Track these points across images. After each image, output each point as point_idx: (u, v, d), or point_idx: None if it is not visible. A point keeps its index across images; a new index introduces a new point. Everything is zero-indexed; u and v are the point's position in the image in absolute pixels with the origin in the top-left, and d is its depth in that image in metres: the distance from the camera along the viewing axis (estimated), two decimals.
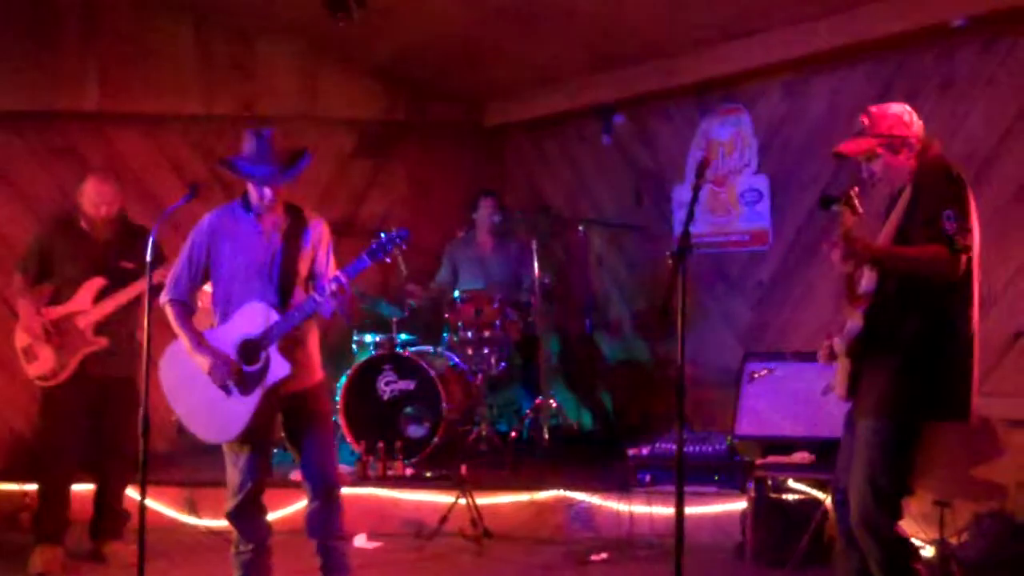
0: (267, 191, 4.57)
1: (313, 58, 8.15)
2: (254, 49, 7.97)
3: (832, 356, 4.12)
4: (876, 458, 3.92)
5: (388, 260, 4.60)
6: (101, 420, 5.81)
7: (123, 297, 5.70)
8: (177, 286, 4.67)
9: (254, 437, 4.55)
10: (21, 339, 5.73)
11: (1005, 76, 5.83)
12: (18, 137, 7.50)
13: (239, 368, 4.50)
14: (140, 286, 5.65)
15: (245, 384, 4.50)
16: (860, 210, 3.88)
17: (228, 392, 4.50)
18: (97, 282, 5.69)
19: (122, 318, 5.77)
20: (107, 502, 5.90)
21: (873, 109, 4.10)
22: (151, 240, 4.56)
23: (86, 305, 5.68)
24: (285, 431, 4.79)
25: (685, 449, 5.91)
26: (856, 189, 3.93)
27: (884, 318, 3.93)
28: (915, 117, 4.05)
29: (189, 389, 4.60)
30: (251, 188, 4.63)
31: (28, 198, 7.35)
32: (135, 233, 5.87)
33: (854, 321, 3.98)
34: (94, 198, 5.73)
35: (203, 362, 4.50)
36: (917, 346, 3.90)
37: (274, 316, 4.49)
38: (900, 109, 4.07)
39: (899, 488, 3.96)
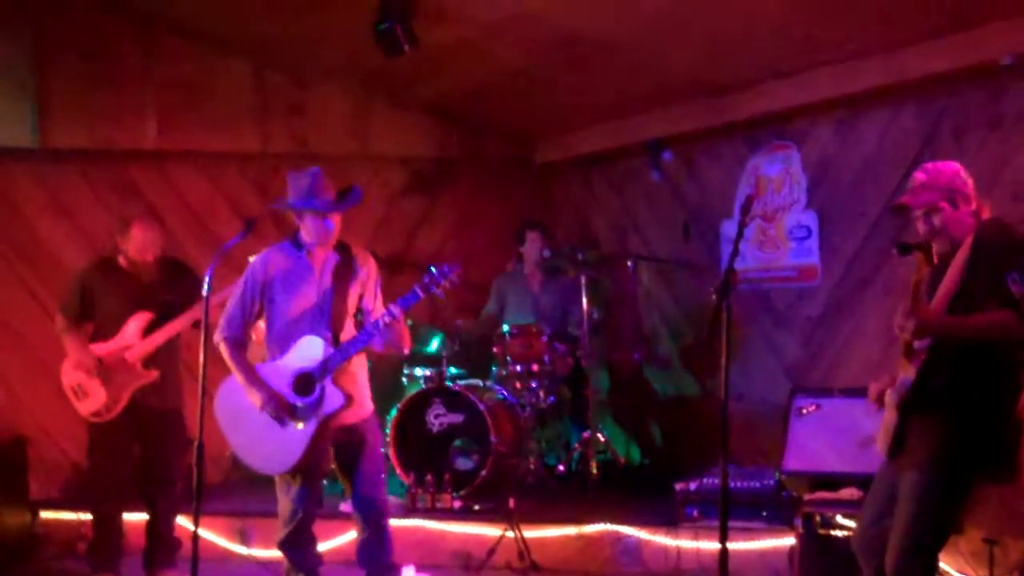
0: (330, 223, 4.68)
1: (366, 97, 8.27)
2: (308, 88, 8.12)
3: (881, 401, 4.14)
4: (921, 514, 3.91)
5: (440, 294, 4.68)
6: (149, 451, 5.90)
7: (171, 329, 5.78)
8: (231, 325, 4.78)
9: (307, 468, 4.64)
10: (70, 378, 5.80)
11: None
12: (79, 174, 7.69)
13: (290, 406, 4.59)
14: (188, 317, 5.75)
15: (300, 417, 4.59)
16: (936, 261, 3.91)
17: (283, 424, 4.59)
18: (145, 316, 5.77)
19: (167, 351, 5.86)
20: (159, 532, 5.97)
21: (929, 165, 4.12)
22: (207, 275, 4.66)
23: (135, 339, 5.76)
24: (337, 463, 4.87)
25: (733, 484, 5.96)
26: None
27: (939, 373, 3.93)
28: (968, 175, 4.07)
29: (245, 422, 4.70)
30: (305, 226, 4.73)
31: (89, 234, 7.51)
32: (176, 268, 6.01)
33: (907, 375, 3.99)
34: (140, 244, 5.82)
35: (256, 399, 4.59)
36: (971, 403, 3.90)
37: (329, 350, 4.59)
38: (956, 166, 4.08)
39: (940, 544, 3.98)
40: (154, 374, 5.78)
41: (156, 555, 5.96)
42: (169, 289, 5.87)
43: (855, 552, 4.29)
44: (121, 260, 5.89)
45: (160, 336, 5.77)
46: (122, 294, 5.83)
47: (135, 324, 5.77)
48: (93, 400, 5.75)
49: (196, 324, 5.76)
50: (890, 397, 4.06)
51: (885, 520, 4.10)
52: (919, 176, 4.08)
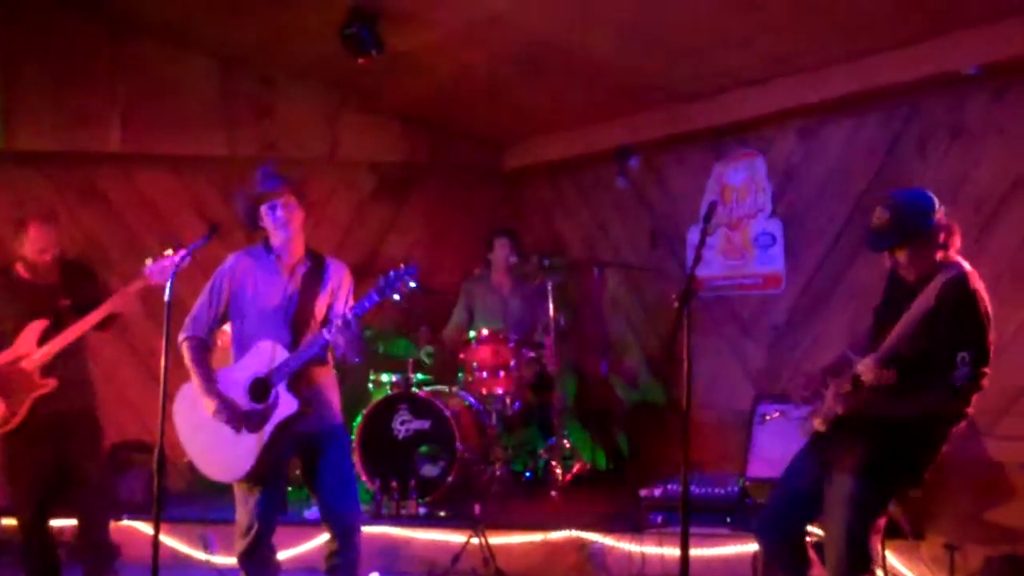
0: (279, 209, 4.63)
1: (335, 101, 8.25)
2: (277, 92, 8.08)
3: (815, 395, 4.25)
4: (856, 516, 4.07)
5: (398, 297, 4.60)
6: (62, 455, 5.57)
7: (69, 335, 5.50)
8: (196, 324, 4.74)
9: (264, 477, 4.59)
10: None
11: (1015, 125, 5.85)
12: (43, 177, 7.65)
13: (243, 414, 4.54)
14: (88, 322, 5.49)
15: (254, 423, 4.55)
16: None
17: (238, 430, 4.55)
18: (39, 324, 5.51)
19: (70, 355, 5.57)
20: (90, 538, 5.67)
21: (896, 199, 4.10)
22: (170, 278, 4.61)
23: (31, 348, 5.50)
24: (303, 473, 4.82)
25: (697, 491, 6.00)
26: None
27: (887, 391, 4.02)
28: (936, 202, 4.06)
29: (201, 429, 4.65)
30: (271, 231, 4.70)
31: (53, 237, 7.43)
32: (76, 271, 5.78)
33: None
34: (40, 243, 5.59)
35: (209, 405, 4.55)
36: (908, 424, 4.03)
37: (282, 354, 4.56)
38: (919, 198, 4.08)
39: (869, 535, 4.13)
40: (51, 383, 5.50)
41: (91, 563, 5.67)
42: (68, 293, 5.61)
43: (757, 531, 4.50)
44: (18, 267, 5.66)
45: (57, 343, 5.50)
46: (19, 302, 5.59)
47: (30, 333, 5.52)
48: None
49: (100, 326, 5.58)
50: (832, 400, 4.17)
51: (788, 510, 4.32)
52: (883, 215, 4.06)
